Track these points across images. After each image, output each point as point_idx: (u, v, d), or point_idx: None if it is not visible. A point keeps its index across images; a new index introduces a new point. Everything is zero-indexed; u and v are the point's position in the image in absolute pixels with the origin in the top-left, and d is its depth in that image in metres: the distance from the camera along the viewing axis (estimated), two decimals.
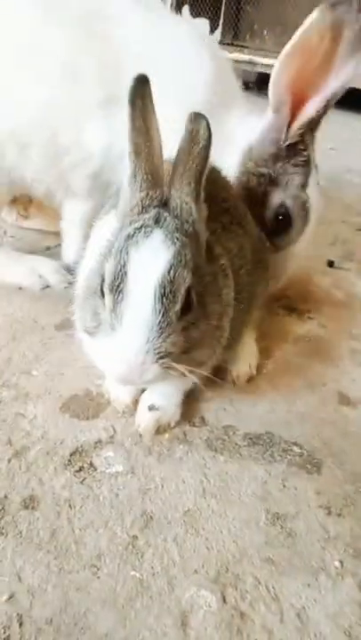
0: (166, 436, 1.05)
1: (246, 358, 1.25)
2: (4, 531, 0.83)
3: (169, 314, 0.81)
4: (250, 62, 4.55)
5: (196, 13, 5.13)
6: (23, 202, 1.82)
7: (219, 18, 5.35)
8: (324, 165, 3.23)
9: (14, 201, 1.79)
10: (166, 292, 0.80)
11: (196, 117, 0.90)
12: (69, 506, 0.89)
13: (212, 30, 5.33)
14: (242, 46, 4.79)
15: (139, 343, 0.80)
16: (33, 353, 1.24)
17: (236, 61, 4.66)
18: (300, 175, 1.42)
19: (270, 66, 4.45)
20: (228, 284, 1.00)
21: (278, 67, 1.27)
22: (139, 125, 0.89)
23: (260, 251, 1.27)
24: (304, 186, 1.43)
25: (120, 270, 0.81)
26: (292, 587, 0.80)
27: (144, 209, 0.89)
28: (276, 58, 4.29)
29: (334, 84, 1.28)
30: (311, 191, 1.45)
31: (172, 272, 0.81)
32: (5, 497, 0.88)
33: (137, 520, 0.88)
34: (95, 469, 0.96)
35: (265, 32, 5.12)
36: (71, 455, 0.98)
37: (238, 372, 1.22)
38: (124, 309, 0.81)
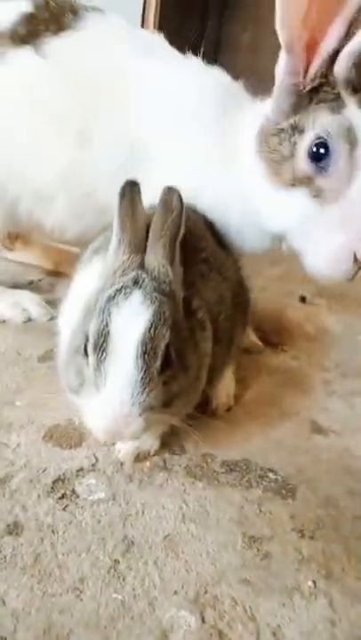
0: (147, 463, 1.08)
1: (225, 390, 1.30)
2: None
3: (150, 370, 0.87)
4: None
5: None
6: (11, 235, 1.87)
7: None
8: None
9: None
10: (147, 350, 0.87)
11: (170, 190, 1.02)
12: (52, 531, 0.91)
13: None
14: None
15: (123, 398, 0.86)
16: (16, 384, 1.28)
17: None
18: (330, 104, 1.16)
19: None
20: (206, 336, 1.07)
21: None
22: (125, 211, 1.01)
23: (240, 294, 1.34)
24: (338, 110, 1.16)
25: (103, 330, 0.88)
26: (268, 606, 0.84)
27: (124, 271, 0.97)
28: None
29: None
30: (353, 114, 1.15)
31: (152, 330, 0.88)
32: None
33: (118, 545, 0.90)
34: (78, 496, 0.98)
35: (240, 81, 5.39)
36: (54, 483, 1.01)
37: (218, 402, 1.27)
38: (108, 367, 0.87)
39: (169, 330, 0.90)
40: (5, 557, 0.85)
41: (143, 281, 0.94)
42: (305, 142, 1.18)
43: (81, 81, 1.34)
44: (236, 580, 0.87)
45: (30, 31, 1.37)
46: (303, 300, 1.92)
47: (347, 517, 1.02)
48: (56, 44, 1.37)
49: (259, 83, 5.15)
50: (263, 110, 1.29)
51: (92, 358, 0.88)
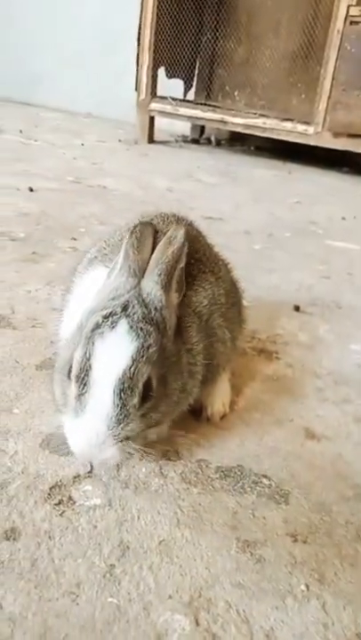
0: (143, 470, 1.10)
1: (220, 397, 1.32)
2: None
3: (127, 407, 0.91)
4: (222, 121, 4.83)
5: (171, 75, 5.46)
6: None
7: (193, 79, 5.69)
8: (290, 217, 3.44)
9: None
10: (125, 388, 0.90)
11: (177, 228, 1.09)
12: (49, 537, 0.92)
13: (187, 91, 5.66)
14: (214, 106, 5.09)
15: (99, 430, 0.90)
16: (14, 392, 1.29)
17: (209, 120, 4.96)
18: None
19: (240, 124, 4.74)
20: (193, 358, 1.10)
21: None
22: (131, 243, 1.07)
23: (233, 294, 1.37)
24: None
25: (85, 363, 0.91)
26: (262, 609, 0.85)
27: (118, 292, 1.01)
28: (245, 117, 4.66)
29: None
30: None
31: (132, 369, 0.91)
32: None
33: (114, 550, 0.92)
34: (74, 502, 1.00)
35: (236, 93, 5.47)
36: (51, 489, 1.02)
37: (213, 409, 1.29)
38: (88, 399, 0.91)
39: (151, 365, 0.93)
40: (3, 562, 0.86)
41: (132, 307, 0.97)
42: None
43: None
44: (229, 584, 0.89)
45: None
46: (297, 309, 1.95)
47: (339, 522, 1.04)
48: None
49: (252, 96, 5.27)
50: None
51: (73, 387, 0.92)
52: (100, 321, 0.94)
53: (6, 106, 6.65)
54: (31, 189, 3.08)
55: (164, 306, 1.01)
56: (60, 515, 0.97)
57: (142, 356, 0.92)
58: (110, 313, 0.95)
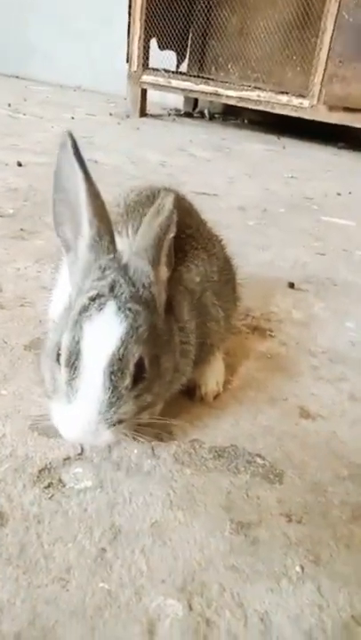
0: (135, 451, 1.07)
1: (214, 376, 1.29)
2: None
3: (119, 389, 0.88)
4: (215, 94, 4.71)
5: (163, 46, 5.31)
6: None
7: (185, 51, 5.54)
8: (284, 193, 3.37)
9: None
10: (115, 371, 0.87)
11: (166, 194, 1.01)
12: (38, 521, 0.90)
13: (179, 63, 5.51)
14: (207, 78, 4.96)
15: (91, 416, 0.87)
16: (2, 373, 1.26)
17: (202, 93, 4.84)
18: None
19: (234, 97, 4.63)
20: (186, 337, 1.07)
21: None
22: (96, 191, 0.98)
23: (227, 271, 1.33)
24: None
25: (74, 347, 0.88)
26: (256, 592, 0.84)
27: (103, 272, 0.95)
28: (239, 90, 4.54)
29: None
30: None
31: (121, 350, 0.87)
32: None
33: (105, 533, 0.90)
34: (64, 485, 0.97)
35: (229, 65, 5.33)
36: (40, 472, 1.00)
37: (206, 389, 1.26)
38: (78, 384, 0.87)
39: (141, 345, 0.90)
40: None
41: (120, 287, 0.93)
42: None
43: None
44: (223, 567, 0.87)
45: None
46: (291, 286, 1.91)
47: (335, 503, 1.02)
48: None
49: (246, 68, 5.13)
50: None
51: (64, 372, 0.89)
52: (88, 303, 0.90)
53: None
54: (20, 164, 2.99)
55: (153, 282, 0.97)
56: (50, 498, 0.94)
57: (132, 337, 0.88)
58: (97, 294, 0.91)
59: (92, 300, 0.90)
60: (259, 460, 1.10)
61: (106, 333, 0.88)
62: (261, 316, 1.69)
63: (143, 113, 5.15)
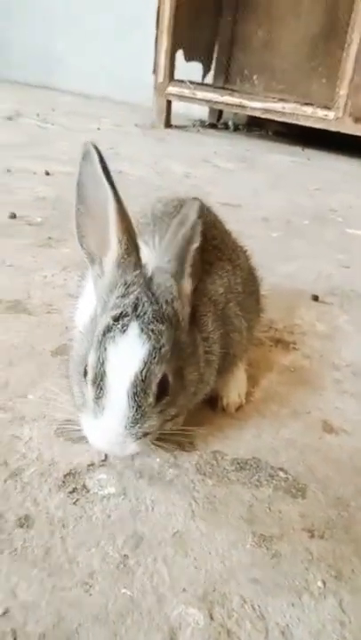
0: (157, 460, 1.08)
1: (237, 387, 1.30)
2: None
3: (142, 408, 0.91)
4: (240, 105, 4.74)
5: (189, 58, 5.37)
6: None
7: (211, 63, 5.60)
8: (309, 205, 3.37)
9: None
10: (138, 391, 0.90)
11: (191, 204, 1.02)
12: (63, 525, 0.92)
13: (205, 74, 5.57)
14: (232, 90, 4.99)
15: (117, 431, 0.91)
16: (29, 377, 1.28)
17: (227, 104, 4.88)
18: None
19: (259, 109, 4.64)
20: (210, 347, 1.09)
21: None
22: (124, 208, 0.99)
23: (251, 283, 1.34)
24: None
25: (99, 369, 0.91)
26: (277, 606, 0.84)
27: (128, 288, 0.97)
28: (264, 101, 4.53)
29: None
30: None
31: (144, 372, 0.90)
32: (1, 516, 0.91)
33: (128, 540, 0.91)
34: (88, 491, 0.99)
35: (254, 77, 5.36)
36: (65, 477, 1.01)
37: (228, 400, 1.27)
38: (105, 404, 0.91)
39: (164, 363, 0.92)
40: (16, 550, 0.86)
41: (142, 306, 0.94)
42: None
43: None
44: (245, 579, 0.87)
45: None
46: (315, 298, 1.91)
47: (357, 518, 1.02)
48: None
49: (272, 79, 5.15)
50: None
51: (90, 390, 0.92)
52: (111, 324, 0.93)
53: (24, 89, 6.60)
54: (47, 173, 3.05)
55: (175, 297, 0.98)
56: (74, 503, 0.96)
57: (154, 358, 0.91)
58: (120, 314, 0.93)
59: (116, 320, 0.93)
60: (281, 474, 1.10)
61: (129, 356, 0.91)
62: (285, 328, 1.69)
63: (168, 124, 5.21)
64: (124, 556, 0.88)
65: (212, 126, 5.72)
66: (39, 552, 0.86)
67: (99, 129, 4.74)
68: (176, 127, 5.29)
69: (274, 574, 0.89)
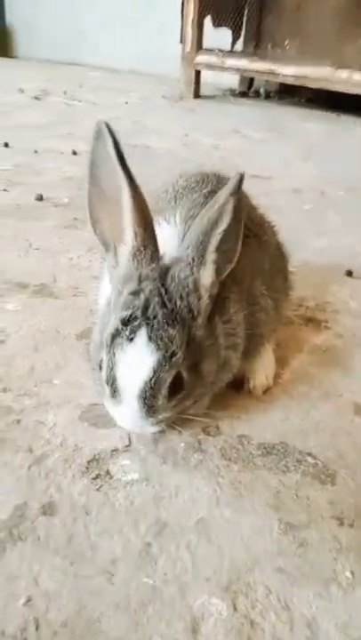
0: (182, 444, 1.07)
1: (264, 369, 1.26)
2: (23, 536, 0.86)
3: (154, 408, 0.92)
4: (271, 72, 4.56)
5: (218, 24, 5.19)
6: None
7: (241, 28, 5.39)
8: (344, 174, 3.24)
9: None
10: (148, 396, 0.90)
11: (224, 190, 0.94)
12: (86, 512, 0.91)
13: (234, 41, 5.37)
14: (263, 56, 4.80)
15: (134, 422, 0.94)
16: (54, 362, 1.28)
17: (257, 71, 4.70)
18: None
19: (290, 75, 4.45)
20: (233, 329, 1.05)
21: None
22: (140, 196, 0.95)
23: (279, 259, 1.29)
24: None
25: (110, 373, 0.92)
26: (303, 596, 0.81)
27: (141, 283, 0.94)
28: (296, 67, 4.35)
29: None
30: None
31: (153, 379, 0.90)
32: (25, 503, 0.91)
33: (151, 527, 0.90)
34: (111, 477, 0.98)
35: (286, 42, 5.13)
36: (89, 463, 1.01)
37: (255, 382, 1.24)
38: (118, 402, 0.94)
39: (175, 367, 0.91)
40: (39, 538, 0.86)
41: (153, 308, 0.91)
42: None
43: None
44: (270, 568, 0.85)
45: None
46: (349, 274, 1.83)
47: None
48: None
49: (304, 44, 4.94)
50: None
51: (105, 387, 0.94)
52: (120, 327, 0.91)
53: (53, 67, 6.56)
54: (74, 152, 3.03)
55: (192, 290, 0.94)
56: (98, 489, 0.96)
57: (164, 365, 0.90)
58: (130, 317, 0.91)
59: (125, 324, 0.91)
60: (310, 459, 1.06)
61: (137, 364, 0.90)
62: (316, 306, 1.63)
63: (197, 94, 5.08)
64: (147, 543, 0.87)
65: (243, 95, 5.55)
66: (62, 540, 0.86)
67: (127, 103, 4.66)
68: (205, 97, 5.15)
69: (300, 563, 0.86)
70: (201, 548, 0.87)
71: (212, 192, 1.18)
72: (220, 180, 1.26)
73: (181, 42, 4.99)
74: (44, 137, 3.32)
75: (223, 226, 0.94)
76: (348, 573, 0.85)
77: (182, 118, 4.30)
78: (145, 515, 0.92)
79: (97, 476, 0.98)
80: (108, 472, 0.99)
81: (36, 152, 3.03)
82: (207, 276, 0.96)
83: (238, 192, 0.93)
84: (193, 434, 1.09)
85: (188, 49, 4.92)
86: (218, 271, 0.98)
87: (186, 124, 4.03)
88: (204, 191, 1.20)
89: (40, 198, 2.32)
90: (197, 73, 5.01)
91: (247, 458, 1.05)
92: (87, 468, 1.00)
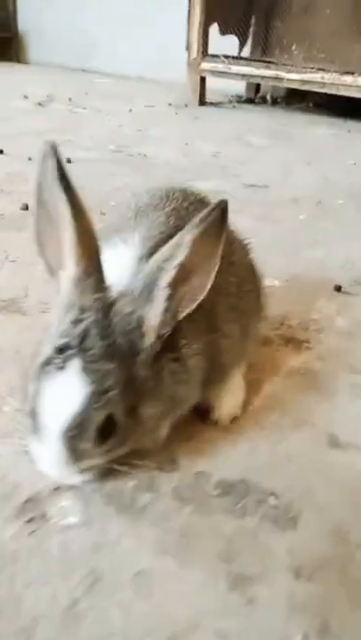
0: (131, 483, 0.98)
1: (231, 397, 1.17)
2: None
3: (78, 452, 0.82)
4: (276, 78, 4.47)
5: (224, 31, 5.12)
6: None
7: (248, 35, 5.32)
8: (345, 182, 3.13)
9: None
10: (72, 437, 0.81)
11: (193, 225, 0.84)
12: (14, 560, 0.83)
13: (241, 47, 5.30)
14: (268, 62, 4.71)
15: (55, 469, 0.85)
16: (8, 386, 1.20)
17: (263, 77, 4.62)
18: None
19: (296, 80, 4.38)
20: (182, 365, 0.95)
21: None
22: (84, 221, 0.87)
23: (249, 280, 1.20)
24: None
25: (33, 402, 0.83)
26: None
27: (82, 313, 0.85)
28: (302, 72, 4.26)
29: None
30: None
31: (80, 416, 0.80)
32: None
33: (83, 580, 0.81)
34: (47, 520, 0.90)
35: (293, 46, 5.04)
36: (25, 502, 0.93)
37: (221, 412, 1.14)
38: (40, 440, 0.84)
39: (108, 406, 0.82)
40: None
41: (91, 338, 0.83)
42: None
43: None
44: (212, 630, 0.76)
45: None
46: (338, 289, 1.73)
47: (356, 557, 0.88)
48: None
49: (312, 48, 4.84)
50: None
51: (29, 422, 0.85)
52: (52, 356, 0.82)
53: (62, 73, 6.57)
54: (69, 160, 2.97)
55: (135, 327, 0.85)
56: (30, 534, 0.87)
57: (95, 402, 0.80)
58: (64, 345, 0.82)
59: (59, 352, 0.82)
60: (271, 500, 0.96)
61: (65, 395, 0.81)
62: (299, 324, 1.53)
63: (202, 101, 5.01)
64: (75, 599, 0.78)
65: (250, 101, 5.47)
66: None
67: (131, 110, 4.61)
68: (211, 104, 5.09)
69: (247, 624, 0.77)
70: (136, 605, 0.78)
71: (175, 210, 1.10)
72: (185, 197, 1.17)
73: (187, 48, 4.94)
74: (40, 144, 3.28)
75: (179, 259, 0.84)
76: (299, 637, 0.76)
77: (186, 126, 4.24)
78: (78, 565, 0.83)
79: (31, 520, 0.89)
80: (44, 515, 0.91)
81: (29, 159, 2.98)
82: (155, 314, 0.86)
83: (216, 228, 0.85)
84: (146, 469, 1.00)
85: (193, 55, 4.87)
86: (171, 310, 0.87)
87: (189, 132, 3.97)
88: (167, 209, 1.11)
89: (26, 208, 2.26)
90: (203, 79, 4.95)
91: (203, 499, 0.96)
92: (23, 509, 0.91)
